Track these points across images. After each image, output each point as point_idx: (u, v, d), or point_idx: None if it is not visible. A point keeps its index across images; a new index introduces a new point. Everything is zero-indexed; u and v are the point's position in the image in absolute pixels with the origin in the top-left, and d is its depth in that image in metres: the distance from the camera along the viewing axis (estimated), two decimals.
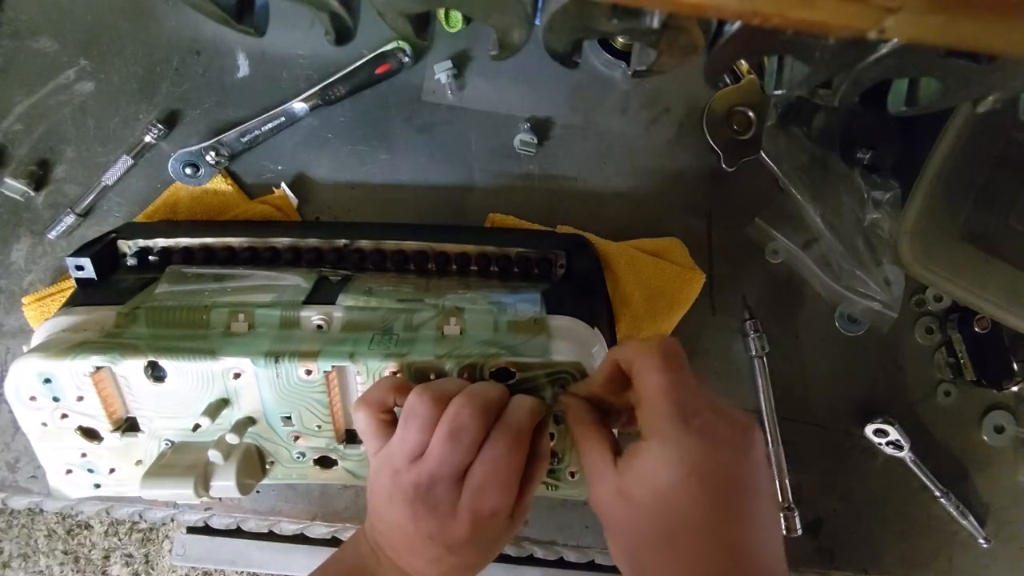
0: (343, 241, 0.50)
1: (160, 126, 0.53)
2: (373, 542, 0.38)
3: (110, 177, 0.54)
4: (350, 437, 0.43)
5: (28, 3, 0.53)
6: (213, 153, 0.52)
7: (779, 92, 0.34)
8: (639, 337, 0.52)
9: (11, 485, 0.56)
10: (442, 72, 0.53)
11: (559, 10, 0.30)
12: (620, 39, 0.51)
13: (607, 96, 0.55)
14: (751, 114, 0.53)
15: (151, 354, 0.39)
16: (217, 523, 0.58)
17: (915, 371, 0.57)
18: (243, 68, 0.54)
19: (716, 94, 0.54)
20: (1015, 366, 0.54)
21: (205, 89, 0.54)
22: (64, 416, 0.40)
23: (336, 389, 0.41)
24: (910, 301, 0.56)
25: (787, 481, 0.55)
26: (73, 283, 0.48)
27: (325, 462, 0.43)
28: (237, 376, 0.39)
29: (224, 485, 0.40)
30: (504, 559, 0.58)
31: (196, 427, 0.40)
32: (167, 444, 0.42)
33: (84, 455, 0.42)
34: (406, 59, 0.53)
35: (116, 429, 0.41)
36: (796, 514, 0.55)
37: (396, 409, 0.36)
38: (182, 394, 0.40)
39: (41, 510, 0.85)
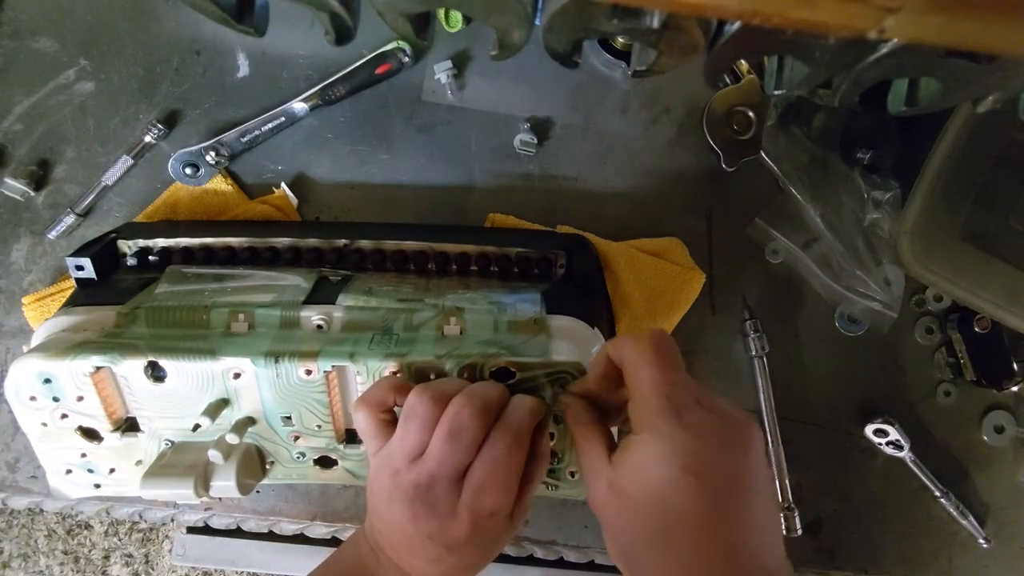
0: (343, 241, 0.50)
1: (160, 126, 0.53)
2: (373, 542, 0.38)
3: (110, 177, 0.54)
4: (350, 437, 0.43)
5: (28, 3, 0.53)
6: (213, 153, 0.52)
7: (779, 92, 0.35)
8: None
9: (11, 485, 0.56)
10: (442, 72, 0.53)
11: (559, 10, 0.30)
12: (620, 39, 0.51)
13: (607, 96, 0.55)
14: (751, 114, 0.53)
15: (151, 354, 0.39)
16: (217, 523, 0.58)
17: (915, 371, 0.57)
18: (243, 68, 0.54)
19: (716, 94, 0.54)
20: (1015, 366, 0.54)
21: (205, 89, 0.54)
22: (64, 416, 0.40)
23: (336, 389, 0.41)
24: (910, 301, 0.56)
25: (787, 481, 0.55)
26: (73, 283, 0.48)
27: (325, 462, 0.43)
28: (237, 376, 0.39)
29: (224, 485, 0.40)
30: (504, 559, 0.58)
31: (196, 427, 0.40)
32: (167, 444, 0.42)
33: (84, 455, 0.42)
34: (406, 59, 0.53)
35: (116, 429, 0.41)
36: (796, 514, 0.55)
37: (396, 409, 0.36)
38: (182, 394, 0.40)
39: (41, 510, 0.85)
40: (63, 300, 0.47)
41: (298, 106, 0.53)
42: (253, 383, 0.39)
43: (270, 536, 0.58)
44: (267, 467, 0.43)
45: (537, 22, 0.31)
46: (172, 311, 0.42)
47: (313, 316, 0.42)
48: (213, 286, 0.45)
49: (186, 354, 0.39)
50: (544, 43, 0.33)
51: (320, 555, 0.41)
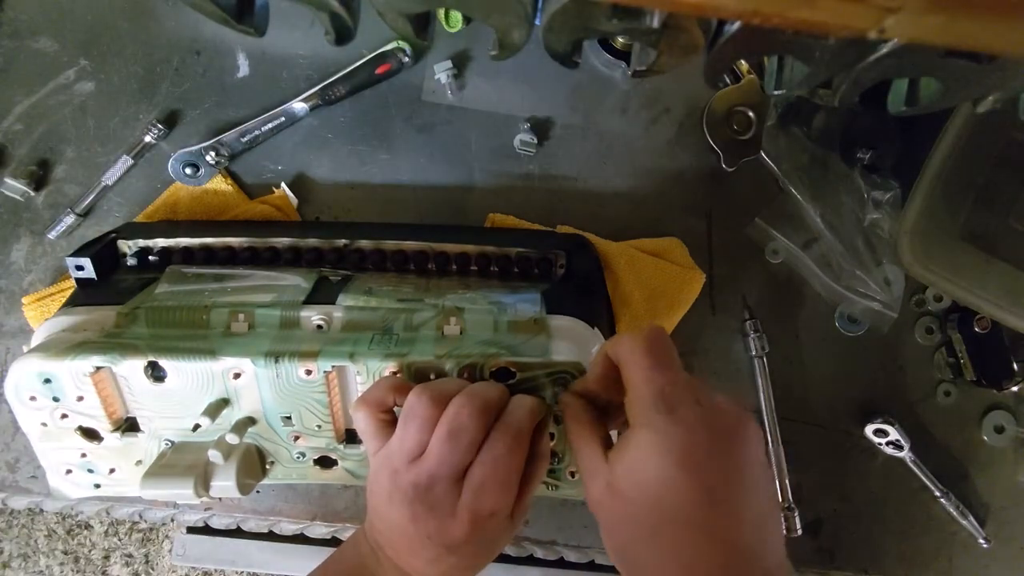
0: (343, 241, 0.50)
1: (160, 126, 0.53)
2: (373, 542, 0.38)
3: (110, 177, 0.54)
4: (350, 437, 0.43)
5: (28, 3, 0.53)
6: (213, 153, 0.52)
7: (779, 92, 0.35)
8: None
9: (11, 485, 0.56)
10: (442, 72, 0.53)
11: (559, 10, 0.30)
12: (620, 39, 0.51)
13: (607, 96, 0.55)
14: (751, 114, 0.53)
15: (151, 354, 0.39)
16: (217, 523, 0.58)
17: (915, 371, 0.57)
18: (243, 68, 0.54)
19: (716, 94, 0.54)
20: (1015, 366, 0.54)
21: (205, 89, 0.54)
22: (64, 416, 0.40)
23: (336, 389, 0.41)
24: (910, 301, 0.56)
25: (787, 481, 0.55)
26: (73, 283, 0.48)
27: (325, 462, 0.43)
28: (237, 376, 0.39)
29: (224, 485, 0.40)
30: (504, 559, 0.58)
31: (196, 427, 0.40)
32: (167, 444, 0.42)
33: (84, 455, 0.42)
34: (406, 59, 0.53)
35: (116, 429, 0.41)
36: (796, 514, 0.55)
37: (396, 409, 0.36)
38: (182, 394, 0.40)
39: (41, 510, 0.85)
40: (63, 300, 0.47)
41: (298, 106, 0.53)
42: (253, 383, 0.39)
43: (270, 536, 0.58)
44: (267, 467, 0.43)
45: (537, 22, 0.31)
46: (172, 311, 0.42)
47: (313, 316, 0.42)
48: (213, 286, 0.45)
49: (186, 354, 0.39)
50: (544, 43, 0.33)
51: (320, 555, 0.41)
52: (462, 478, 0.33)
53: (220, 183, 0.54)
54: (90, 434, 0.41)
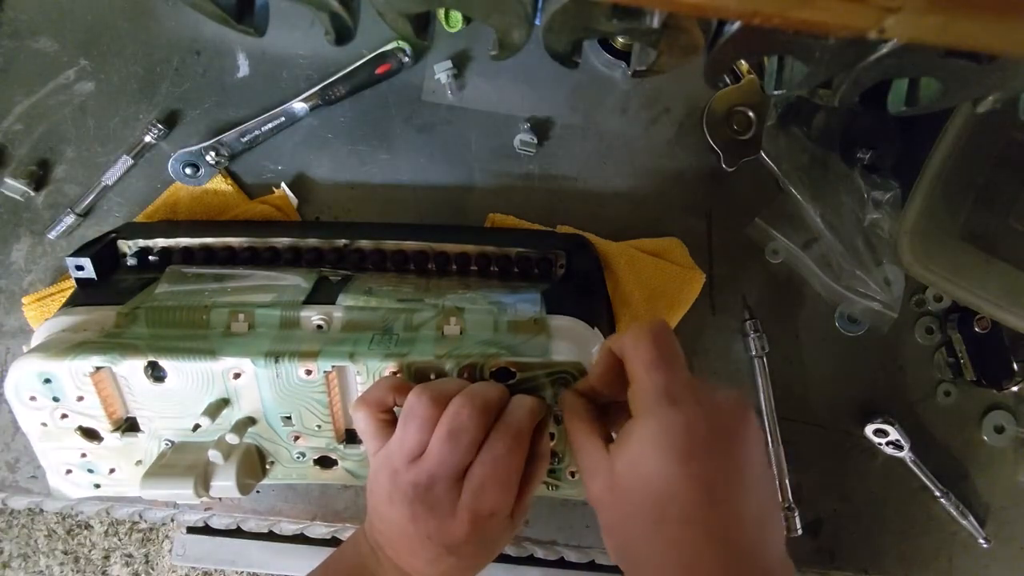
0: (343, 241, 0.50)
1: (160, 126, 0.53)
2: (373, 542, 0.38)
3: (110, 177, 0.54)
4: (350, 437, 0.43)
5: (28, 3, 0.53)
6: (213, 153, 0.52)
7: (779, 92, 0.35)
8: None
9: (11, 485, 0.56)
10: (442, 72, 0.53)
11: (559, 10, 0.30)
12: (620, 39, 0.51)
13: (607, 96, 0.55)
14: (751, 114, 0.53)
15: (151, 354, 0.39)
16: (217, 523, 0.58)
17: (915, 371, 0.57)
18: (243, 68, 0.54)
19: (716, 94, 0.54)
20: (1015, 366, 0.54)
21: (205, 89, 0.54)
22: (64, 416, 0.40)
23: (336, 389, 0.41)
24: (910, 301, 0.56)
25: (787, 481, 0.55)
26: (73, 283, 0.48)
27: (325, 462, 0.43)
28: (237, 376, 0.39)
29: (224, 485, 0.40)
30: (504, 559, 0.58)
31: (196, 427, 0.40)
32: (167, 444, 0.42)
33: (84, 455, 0.42)
34: (406, 59, 0.53)
35: (116, 429, 0.41)
36: (796, 514, 0.55)
37: (396, 409, 0.36)
38: (182, 394, 0.40)
39: (41, 510, 0.85)
40: (63, 300, 0.47)
41: (298, 106, 0.53)
42: (253, 383, 0.39)
43: (270, 536, 0.58)
44: (267, 467, 0.43)
45: (537, 22, 0.31)
46: (172, 311, 0.42)
47: (313, 316, 0.42)
48: (213, 286, 0.45)
49: (186, 354, 0.39)
50: (544, 43, 0.33)
51: (320, 555, 0.41)
52: (462, 478, 0.33)
53: (220, 183, 0.54)
54: (90, 434, 0.41)
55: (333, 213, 0.55)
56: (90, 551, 1.37)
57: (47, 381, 0.39)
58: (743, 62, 0.53)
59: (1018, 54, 0.23)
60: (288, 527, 0.57)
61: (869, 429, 0.55)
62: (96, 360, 0.38)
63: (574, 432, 0.33)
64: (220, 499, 0.51)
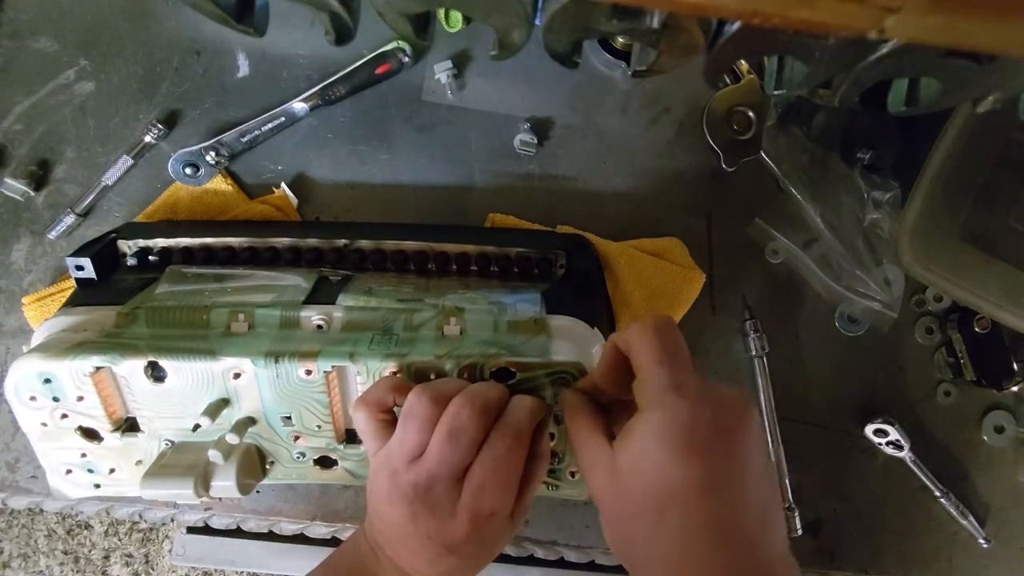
0: (343, 241, 0.50)
1: (160, 126, 0.53)
2: (373, 541, 0.38)
3: (110, 177, 0.54)
4: (350, 437, 0.43)
5: (28, 3, 0.53)
6: (213, 153, 0.52)
7: (779, 92, 0.35)
8: None
9: (11, 485, 0.56)
10: (442, 72, 0.53)
11: (559, 10, 0.30)
12: (620, 39, 0.51)
13: (607, 96, 0.55)
14: (751, 114, 0.53)
15: (151, 354, 0.39)
16: (217, 523, 0.58)
17: (915, 371, 0.57)
18: (243, 68, 0.54)
19: (716, 94, 0.54)
20: (1015, 366, 0.54)
21: (205, 89, 0.54)
22: (64, 416, 0.40)
23: (336, 389, 0.41)
24: (910, 301, 0.56)
25: (787, 481, 0.55)
26: (73, 283, 0.48)
27: (325, 462, 0.43)
28: (237, 376, 0.39)
29: (224, 485, 0.40)
30: (504, 559, 0.58)
31: (196, 427, 0.40)
32: (167, 444, 0.42)
33: (84, 455, 0.42)
34: (406, 59, 0.53)
35: (116, 429, 0.41)
36: (796, 514, 0.55)
37: (396, 409, 0.36)
38: (182, 394, 0.40)
39: (41, 510, 0.85)
40: (63, 300, 0.47)
41: (298, 106, 0.53)
42: (253, 383, 0.39)
43: (270, 536, 0.58)
44: (267, 467, 0.43)
45: (537, 22, 0.31)
46: (172, 311, 0.42)
47: (313, 316, 0.42)
48: (213, 286, 0.45)
49: (186, 354, 0.39)
50: (544, 43, 0.33)
51: (320, 555, 0.41)
52: (462, 478, 0.33)
53: (220, 183, 0.54)
54: (90, 434, 0.41)
55: (333, 213, 0.55)
56: (90, 551, 1.37)
57: (47, 381, 0.39)
58: (743, 62, 0.53)
59: (1018, 54, 0.23)
60: (288, 527, 0.57)
61: (869, 429, 0.55)
62: (96, 360, 0.38)
63: (576, 428, 0.33)
64: (220, 499, 0.51)
